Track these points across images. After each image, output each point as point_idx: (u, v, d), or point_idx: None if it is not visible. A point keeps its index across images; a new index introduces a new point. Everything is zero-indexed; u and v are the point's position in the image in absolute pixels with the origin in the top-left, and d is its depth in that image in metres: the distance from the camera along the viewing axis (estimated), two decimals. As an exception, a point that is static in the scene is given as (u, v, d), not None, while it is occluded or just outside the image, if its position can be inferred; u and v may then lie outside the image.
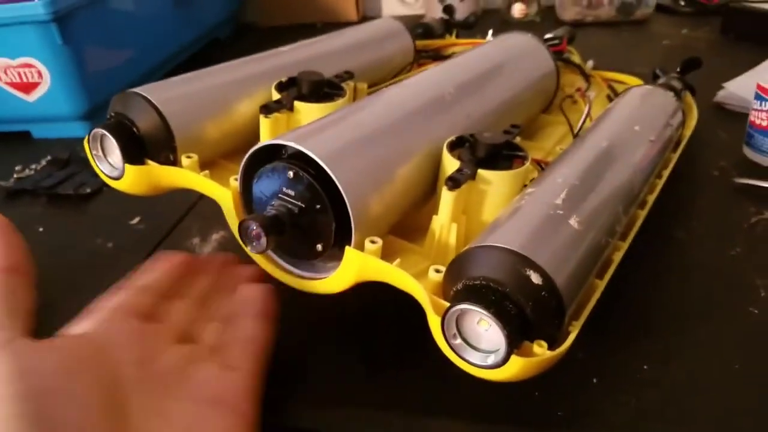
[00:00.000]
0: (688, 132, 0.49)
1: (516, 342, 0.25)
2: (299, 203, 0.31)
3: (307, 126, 0.34)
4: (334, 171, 0.30)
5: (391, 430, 0.31)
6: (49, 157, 0.61)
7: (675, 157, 0.45)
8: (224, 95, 0.40)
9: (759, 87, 0.50)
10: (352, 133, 0.33)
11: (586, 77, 0.57)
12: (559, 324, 0.26)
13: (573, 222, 0.29)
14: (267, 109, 0.38)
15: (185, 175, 0.36)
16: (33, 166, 0.60)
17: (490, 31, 0.65)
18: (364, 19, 1.01)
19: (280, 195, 0.32)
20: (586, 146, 0.37)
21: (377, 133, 0.34)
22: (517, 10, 0.92)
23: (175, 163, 0.37)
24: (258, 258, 0.35)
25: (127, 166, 0.36)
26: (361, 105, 0.37)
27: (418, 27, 0.64)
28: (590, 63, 0.59)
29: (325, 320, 0.38)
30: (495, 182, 0.34)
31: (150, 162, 0.36)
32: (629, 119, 0.41)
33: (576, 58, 0.59)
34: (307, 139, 0.31)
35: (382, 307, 0.37)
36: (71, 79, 0.63)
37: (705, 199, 0.47)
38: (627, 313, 0.36)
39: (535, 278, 0.26)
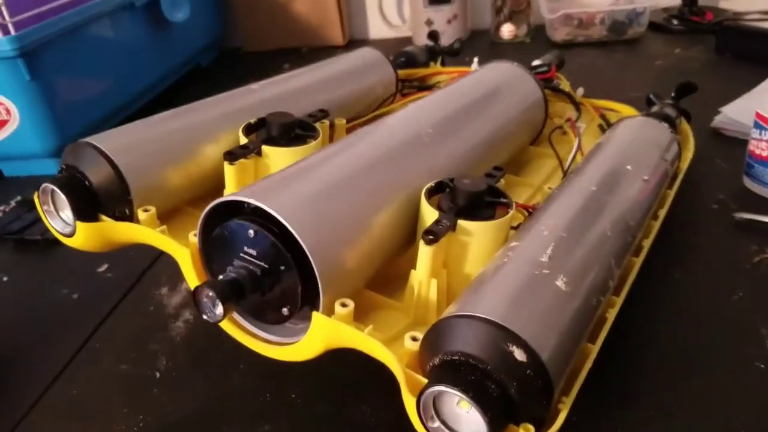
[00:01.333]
0: (684, 164, 0.46)
1: (499, 427, 0.23)
2: (262, 263, 0.28)
3: (271, 178, 0.31)
4: (298, 230, 0.27)
5: None
6: (18, 198, 0.59)
7: (672, 193, 0.42)
8: (187, 140, 0.38)
9: (758, 115, 0.47)
10: (319, 186, 0.30)
11: (577, 106, 0.54)
12: (547, 403, 0.23)
13: (560, 283, 0.26)
14: (231, 155, 0.35)
15: (141, 231, 0.33)
16: (2, 208, 0.58)
17: (476, 59, 0.62)
18: (350, 42, 0.99)
19: (241, 254, 0.29)
20: (574, 190, 0.35)
21: (347, 184, 0.31)
22: (506, 31, 0.90)
23: (132, 217, 0.34)
24: (223, 323, 0.32)
25: (78, 223, 0.33)
26: (330, 152, 0.34)
27: (400, 56, 0.62)
28: (580, 90, 0.56)
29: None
30: (476, 233, 0.31)
31: (104, 218, 0.34)
32: (621, 157, 0.39)
33: (566, 86, 0.57)
34: (269, 195, 0.28)
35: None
36: (41, 115, 0.60)
37: (704, 236, 0.44)
38: (623, 368, 0.34)
39: (519, 355, 0.23)
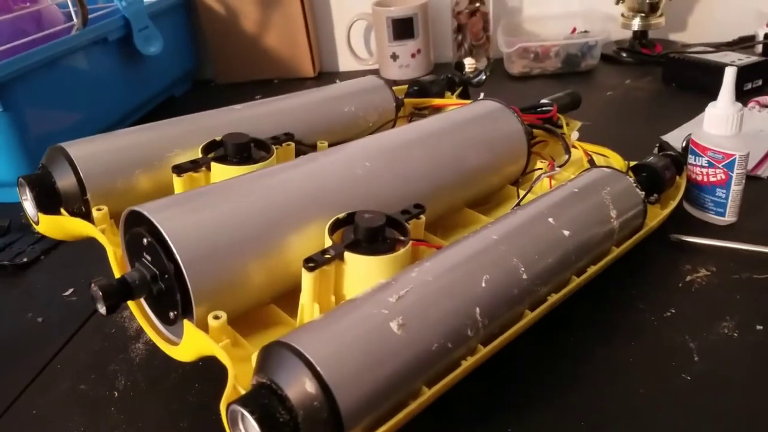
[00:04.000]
0: (653, 222, 0.45)
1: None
2: (154, 269, 0.32)
3: (178, 195, 0.35)
4: (175, 242, 0.30)
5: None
6: (-11, 226, 0.59)
7: (617, 251, 0.41)
8: (150, 151, 0.42)
9: (693, 143, 0.49)
10: (216, 203, 0.33)
11: (567, 148, 0.53)
12: (334, 437, 0.25)
13: (393, 325, 0.28)
14: (179, 168, 0.39)
15: (86, 227, 0.38)
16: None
17: (482, 95, 0.63)
18: (320, 74, 1.01)
19: (142, 258, 0.33)
20: (477, 236, 0.35)
21: (247, 205, 0.34)
22: (468, 64, 0.88)
23: (88, 214, 0.39)
24: (135, 313, 0.36)
25: (40, 214, 0.39)
26: (254, 173, 0.37)
27: (413, 84, 0.64)
28: (575, 135, 0.55)
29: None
30: (362, 267, 0.33)
31: (63, 212, 0.39)
32: (550, 208, 0.38)
33: (565, 128, 0.56)
34: (162, 207, 0.32)
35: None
36: (12, 145, 0.60)
37: (640, 254, 0.45)
38: (549, 383, 0.36)
39: (310, 386, 0.25)
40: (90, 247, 0.40)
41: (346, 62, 1.03)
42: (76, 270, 0.50)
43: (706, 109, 0.49)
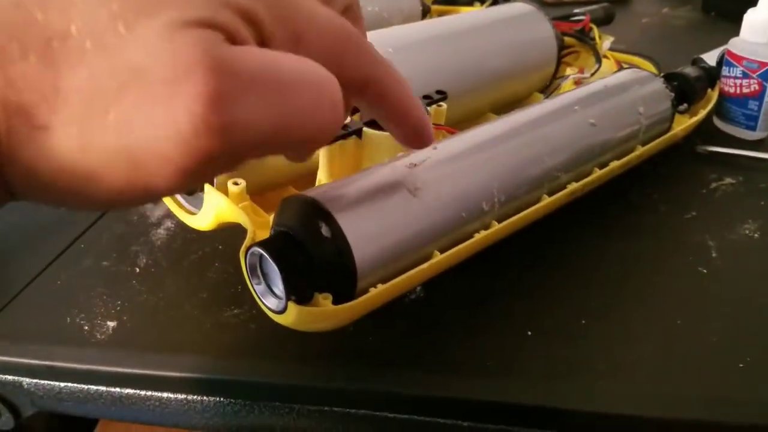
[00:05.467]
0: (679, 127, 0.44)
1: (297, 289, 0.25)
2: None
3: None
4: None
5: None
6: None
7: (642, 149, 0.40)
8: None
9: (728, 53, 0.48)
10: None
11: (597, 57, 0.52)
12: (348, 281, 0.25)
13: (407, 189, 0.28)
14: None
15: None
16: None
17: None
18: None
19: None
20: (501, 121, 0.35)
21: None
22: None
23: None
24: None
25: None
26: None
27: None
28: (606, 44, 0.54)
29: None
30: (381, 143, 0.33)
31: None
32: (577, 100, 0.38)
33: (596, 37, 0.54)
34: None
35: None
36: None
37: (665, 165, 0.45)
38: (569, 268, 0.36)
39: (325, 230, 0.25)
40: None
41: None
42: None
43: (745, 16, 0.47)
